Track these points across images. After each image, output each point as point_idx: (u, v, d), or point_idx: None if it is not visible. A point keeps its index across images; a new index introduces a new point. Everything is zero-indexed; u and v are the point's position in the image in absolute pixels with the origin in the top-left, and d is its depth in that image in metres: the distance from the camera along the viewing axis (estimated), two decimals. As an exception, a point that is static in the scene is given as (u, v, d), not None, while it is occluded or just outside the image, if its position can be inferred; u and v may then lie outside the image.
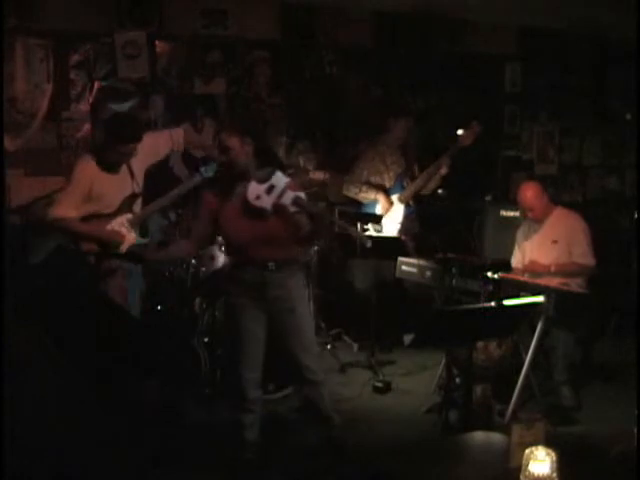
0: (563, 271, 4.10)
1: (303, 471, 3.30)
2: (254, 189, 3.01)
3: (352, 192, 5.17)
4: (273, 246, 3.10)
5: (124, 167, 3.89)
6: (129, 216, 3.89)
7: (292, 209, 2.98)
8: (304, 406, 3.36)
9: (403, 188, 5.11)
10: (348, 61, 5.88)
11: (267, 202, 2.98)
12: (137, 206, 3.98)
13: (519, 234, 4.45)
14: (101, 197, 3.80)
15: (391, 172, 5.15)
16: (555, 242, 4.19)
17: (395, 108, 5.41)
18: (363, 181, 5.14)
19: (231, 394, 3.29)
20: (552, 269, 4.12)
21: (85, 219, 3.79)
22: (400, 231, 5.01)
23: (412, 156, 5.25)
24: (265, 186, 3.00)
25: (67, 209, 3.74)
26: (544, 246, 4.23)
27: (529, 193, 4.28)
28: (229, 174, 3.14)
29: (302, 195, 3.04)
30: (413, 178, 5.12)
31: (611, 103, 6.86)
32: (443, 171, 4.99)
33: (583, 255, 4.14)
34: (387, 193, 5.11)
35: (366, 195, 5.11)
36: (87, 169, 3.80)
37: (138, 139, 3.79)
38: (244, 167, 3.10)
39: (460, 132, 4.84)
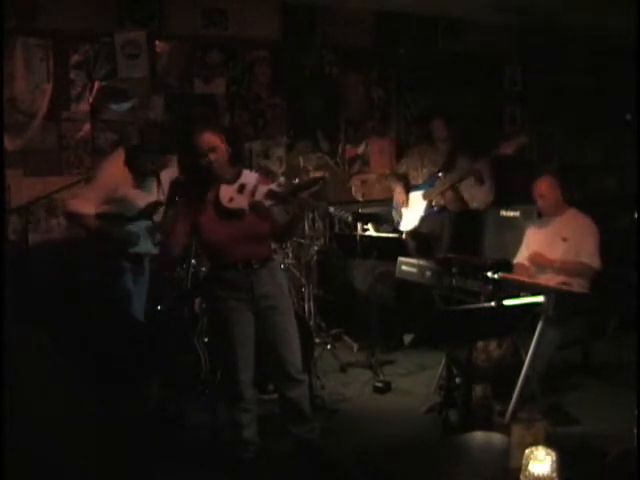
0: (567, 268, 4.11)
1: (302, 471, 3.31)
2: (225, 192, 2.94)
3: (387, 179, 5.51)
4: (255, 244, 3.07)
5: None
6: (148, 223, 3.84)
7: (268, 203, 2.91)
8: (284, 406, 3.32)
9: (432, 187, 5.13)
10: (348, 61, 5.89)
11: (242, 202, 2.92)
12: (158, 215, 3.91)
13: (528, 231, 4.46)
14: (125, 200, 3.75)
15: (425, 169, 5.20)
16: (565, 239, 4.21)
17: (428, 112, 5.50)
18: (400, 173, 5.32)
19: (228, 395, 3.28)
20: (556, 264, 4.13)
21: (102, 217, 3.72)
22: (418, 227, 5.07)
23: (459, 161, 5.15)
24: (235, 186, 2.94)
25: (87, 205, 3.66)
26: (553, 242, 4.25)
27: (544, 182, 4.33)
28: (204, 179, 3.00)
29: (273, 186, 2.97)
30: (446, 180, 5.10)
31: (611, 103, 6.86)
32: (487, 184, 5.01)
33: (590, 255, 4.14)
34: (408, 185, 5.21)
35: (389, 184, 5.38)
36: (116, 171, 3.75)
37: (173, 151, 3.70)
38: (225, 168, 3.00)
39: (503, 142, 4.79)
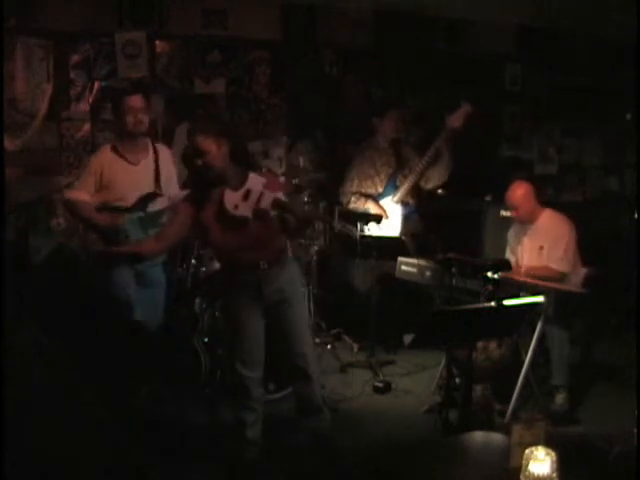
0: (533, 274, 4.05)
1: (301, 470, 3.31)
2: (230, 198, 2.89)
3: (345, 203, 5.07)
4: (262, 248, 3.05)
5: (148, 163, 3.82)
6: (141, 214, 3.78)
7: (272, 212, 2.85)
8: (296, 399, 3.36)
9: (396, 188, 4.99)
10: (348, 61, 5.89)
11: (246, 210, 2.87)
12: (154, 206, 3.85)
13: (510, 236, 4.45)
14: (112, 185, 3.72)
15: (382, 174, 5.01)
16: (542, 248, 4.18)
17: (379, 106, 5.31)
18: (354, 190, 5.01)
19: (234, 393, 3.28)
20: (522, 271, 4.11)
21: (98, 209, 3.73)
22: (400, 232, 4.95)
23: (408, 154, 5.08)
24: (241, 193, 2.89)
25: (80, 193, 3.72)
26: (533, 252, 4.23)
27: (518, 192, 4.26)
28: (204, 180, 2.98)
29: (280, 195, 2.91)
30: (406, 176, 4.96)
31: (611, 103, 6.86)
32: (445, 159, 4.81)
33: (557, 260, 4.11)
34: (376, 199, 4.97)
35: (356, 205, 4.99)
36: (101, 153, 3.80)
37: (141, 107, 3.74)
38: (221, 171, 2.95)
39: (447, 115, 4.67)
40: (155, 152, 3.88)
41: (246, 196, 2.86)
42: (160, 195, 3.86)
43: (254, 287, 3.10)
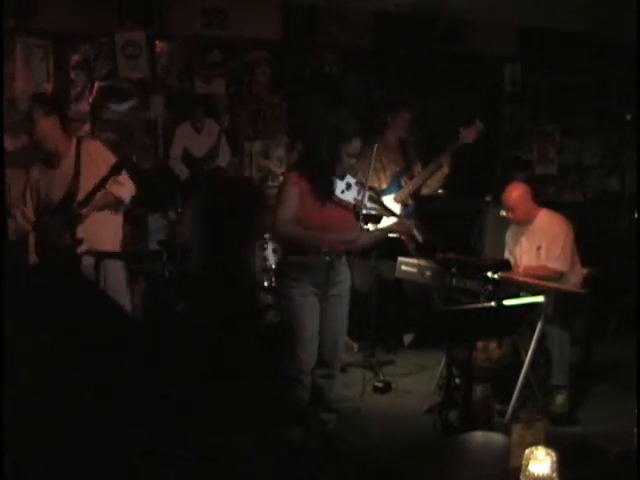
0: (532, 274, 4.06)
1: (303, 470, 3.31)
2: (338, 185, 3.28)
3: None
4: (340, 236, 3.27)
5: (68, 163, 3.60)
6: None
7: (369, 205, 3.29)
8: (311, 393, 3.39)
9: (400, 188, 5.00)
10: (348, 61, 5.89)
11: (349, 197, 3.29)
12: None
13: (507, 238, 4.45)
14: (47, 198, 3.64)
15: (387, 171, 5.03)
16: (539, 248, 4.18)
17: (394, 104, 5.32)
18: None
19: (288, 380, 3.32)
20: (520, 271, 4.11)
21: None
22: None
23: (412, 155, 5.11)
24: (344, 182, 3.29)
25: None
26: (531, 253, 4.23)
27: (514, 193, 4.26)
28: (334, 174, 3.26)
29: (373, 193, 3.37)
30: (412, 177, 5.00)
31: (611, 103, 6.87)
32: (445, 170, 4.88)
33: (555, 259, 4.11)
34: (379, 193, 5.00)
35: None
36: (34, 170, 3.70)
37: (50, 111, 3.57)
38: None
39: (462, 129, 4.75)
40: (77, 149, 3.62)
41: (348, 187, 3.30)
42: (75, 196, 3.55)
43: (322, 274, 3.22)
